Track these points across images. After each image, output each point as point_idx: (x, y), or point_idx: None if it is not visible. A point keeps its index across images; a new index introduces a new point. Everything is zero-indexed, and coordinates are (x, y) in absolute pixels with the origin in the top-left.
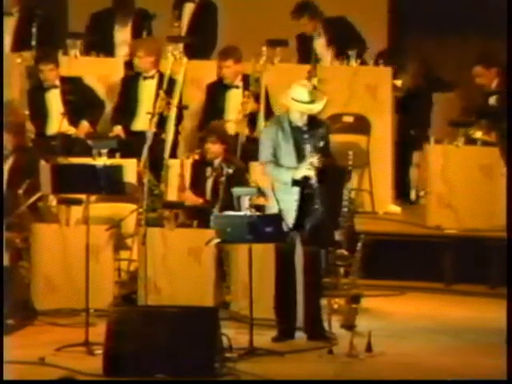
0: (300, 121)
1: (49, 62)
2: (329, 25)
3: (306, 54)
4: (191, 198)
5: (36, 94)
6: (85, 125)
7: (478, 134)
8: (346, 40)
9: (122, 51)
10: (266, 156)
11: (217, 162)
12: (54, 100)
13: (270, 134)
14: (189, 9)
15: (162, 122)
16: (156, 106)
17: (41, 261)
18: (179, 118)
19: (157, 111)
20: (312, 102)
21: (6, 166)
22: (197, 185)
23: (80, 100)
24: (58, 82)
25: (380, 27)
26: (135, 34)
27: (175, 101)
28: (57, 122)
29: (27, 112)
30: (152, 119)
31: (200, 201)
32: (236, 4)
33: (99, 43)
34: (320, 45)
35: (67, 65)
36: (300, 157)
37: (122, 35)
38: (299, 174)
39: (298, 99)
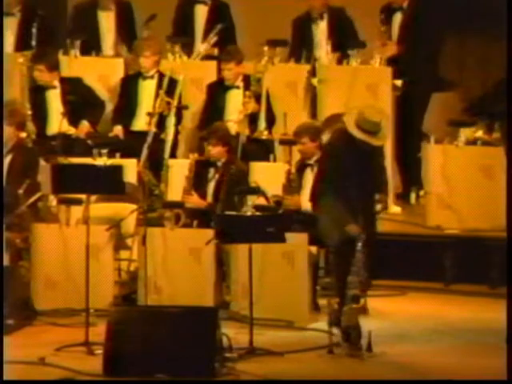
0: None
1: (40, 63)
2: (331, 12)
3: (301, 40)
4: (197, 201)
5: (36, 93)
6: (85, 125)
7: (479, 133)
8: (344, 33)
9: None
10: (331, 179)
11: (220, 163)
12: (54, 100)
13: (337, 152)
14: (201, 11)
15: (161, 122)
16: (156, 106)
17: (41, 261)
18: (179, 118)
19: (157, 111)
20: (374, 133)
21: (5, 163)
22: (199, 185)
23: (80, 100)
24: (56, 83)
25: (379, 27)
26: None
27: (175, 101)
28: (57, 122)
29: (29, 112)
30: (152, 119)
31: (204, 203)
32: (236, 4)
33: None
34: (320, 30)
35: (67, 65)
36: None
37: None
38: (351, 230)
39: (360, 126)
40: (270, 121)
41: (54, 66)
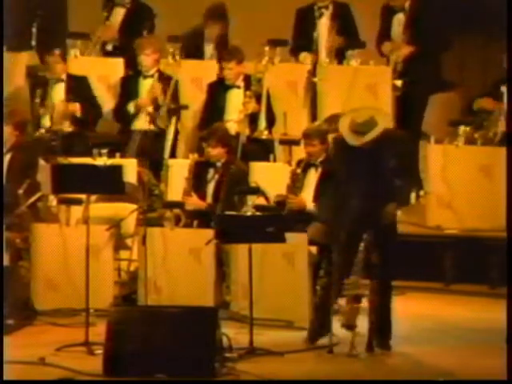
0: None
1: (53, 54)
2: (336, 5)
3: (303, 30)
4: (196, 203)
5: (43, 86)
6: (76, 106)
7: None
8: (345, 30)
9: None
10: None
11: (219, 163)
12: (59, 93)
13: (336, 159)
14: None
15: (161, 121)
16: (142, 102)
17: (41, 261)
18: (178, 118)
19: (143, 106)
20: (365, 133)
21: (4, 163)
22: (199, 186)
23: (81, 99)
24: (64, 77)
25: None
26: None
27: (167, 97)
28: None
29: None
30: (152, 119)
31: (204, 205)
32: (236, 4)
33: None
34: (323, 20)
35: (67, 65)
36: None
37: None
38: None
39: (353, 129)
40: (270, 121)
41: (64, 58)
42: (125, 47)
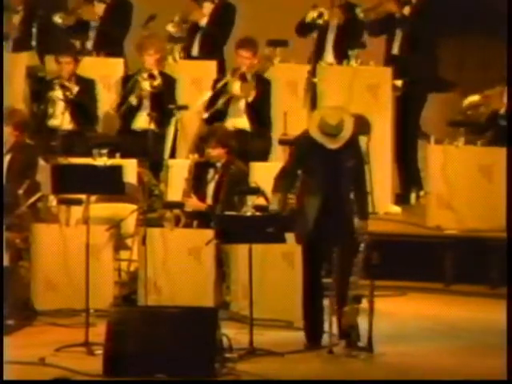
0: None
1: (67, 55)
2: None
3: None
4: (196, 204)
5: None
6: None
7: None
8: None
9: None
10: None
11: (219, 164)
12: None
13: (302, 152)
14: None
15: (162, 122)
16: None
17: (41, 261)
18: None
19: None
20: (334, 136)
21: (4, 163)
22: (199, 187)
23: (83, 101)
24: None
25: None
26: None
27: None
28: (60, 116)
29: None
30: (152, 119)
31: (204, 206)
32: (237, 4)
33: None
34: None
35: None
36: None
37: None
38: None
39: (321, 129)
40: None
41: (76, 60)
42: (105, 45)
